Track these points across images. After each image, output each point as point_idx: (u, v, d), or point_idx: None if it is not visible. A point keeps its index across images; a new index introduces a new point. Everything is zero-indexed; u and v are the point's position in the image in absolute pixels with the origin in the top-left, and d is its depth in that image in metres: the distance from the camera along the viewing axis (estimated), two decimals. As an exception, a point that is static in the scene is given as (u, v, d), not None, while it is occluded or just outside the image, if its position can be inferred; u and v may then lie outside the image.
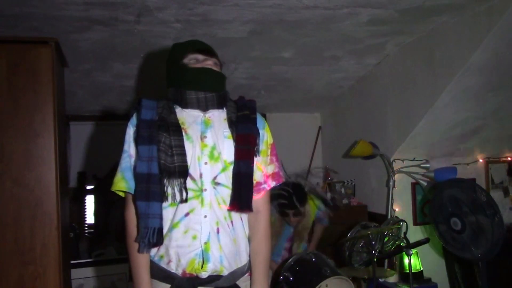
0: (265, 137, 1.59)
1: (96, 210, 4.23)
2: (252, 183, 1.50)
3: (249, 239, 1.58)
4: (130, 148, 1.48)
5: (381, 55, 3.33)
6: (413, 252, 2.96)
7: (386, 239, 2.88)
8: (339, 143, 4.18)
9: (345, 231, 3.08)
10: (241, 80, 3.52)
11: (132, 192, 1.44)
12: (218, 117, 1.54)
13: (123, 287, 3.66)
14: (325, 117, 4.57)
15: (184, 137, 1.45)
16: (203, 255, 1.44)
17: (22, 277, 1.99)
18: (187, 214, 1.44)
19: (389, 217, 3.34)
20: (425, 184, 3.32)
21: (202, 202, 1.45)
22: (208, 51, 1.54)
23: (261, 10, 2.41)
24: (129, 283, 3.58)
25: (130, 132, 1.49)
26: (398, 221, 2.99)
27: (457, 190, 2.78)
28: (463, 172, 3.55)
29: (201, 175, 1.45)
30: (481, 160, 3.73)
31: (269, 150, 1.60)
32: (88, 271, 3.61)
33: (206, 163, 1.46)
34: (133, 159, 1.47)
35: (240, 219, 1.53)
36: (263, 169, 1.57)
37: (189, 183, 1.44)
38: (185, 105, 1.50)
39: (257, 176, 1.56)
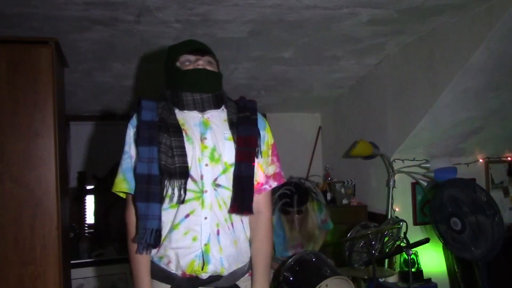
0: (266, 137, 1.59)
1: (96, 210, 4.23)
2: (253, 185, 1.50)
3: (250, 240, 1.58)
4: (130, 149, 1.48)
5: (381, 55, 3.33)
6: (413, 252, 2.96)
7: (386, 239, 2.89)
8: (339, 143, 4.18)
9: (345, 231, 3.09)
10: (241, 80, 3.52)
11: (133, 193, 1.44)
12: (218, 117, 1.53)
13: (123, 287, 3.67)
14: (325, 117, 4.56)
15: (185, 138, 1.45)
16: (203, 256, 1.44)
17: (22, 277, 1.99)
18: (187, 216, 1.44)
19: (389, 217, 3.33)
20: (425, 184, 3.32)
21: (202, 203, 1.44)
22: (200, 51, 1.52)
23: (261, 10, 2.41)
24: (129, 283, 3.59)
25: (131, 133, 1.49)
26: (398, 221, 2.99)
27: (457, 190, 2.78)
28: (463, 172, 3.55)
29: (202, 177, 1.45)
30: (481, 160, 3.72)
31: (270, 151, 1.60)
32: (88, 271, 3.61)
33: (207, 165, 1.46)
34: (133, 160, 1.47)
35: (241, 221, 1.53)
36: (264, 170, 1.57)
37: (190, 184, 1.44)
38: (182, 106, 1.50)
39: (258, 176, 1.56)
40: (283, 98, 4.05)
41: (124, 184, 1.47)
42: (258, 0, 2.28)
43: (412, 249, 2.66)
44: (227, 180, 1.48)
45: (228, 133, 1.51)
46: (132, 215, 1.47)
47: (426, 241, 2.74)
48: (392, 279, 3.20)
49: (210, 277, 1.46)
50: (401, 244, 2.90)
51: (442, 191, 2.83)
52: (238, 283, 1.53)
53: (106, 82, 3.36)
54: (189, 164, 1.44)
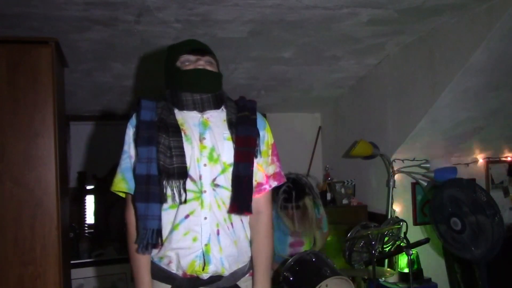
0: (266, 137, 1.59)
1: (96, 210, 4.23)
2: (252, 185, 1.50)
3: (251, 240, 1.58)
4: (130, 149, 1.48)
5: (381, 55, 3.33)
6: (413, 252, 2.96)
7: (386, 239, 2.88)
8: (339, 143, 4.18)
9: (345, 231, 3.08)
10: (241, 80, 3.52)
11: (133, 192, 1.44)
12: (217, 118, 1.53)
13: (123, 287, 3.67)
14: (325, 117, 4.56)
15: (184, 138, 1.45)
16: (203, 257, 1.44)
17: (22, 277, 1.99)
18: (187, 216, 1.44)
19: (389, 217, 3.33)
20: (425, 184, 3.32)
21: (202, 204, 1.44)
22: (200, 51, 1.52)
23: (261, 10, 2.41)
24: (130, 283, 3.59)
25: (130, 133, 1.49)
26: (398, 221, 2.98)
27: (457, 190, 2.78)
28: (463, 172, 3.55)
29: (200, 177, 1.45)
30: (481, 160, 3.73)
31: (270, 151, 1.60)
32: (88, 271, 3.61)
33: (205, 165, 1.46)
34: (133, 159, 1.47)
35: (241, 221, 1.53)
36: (264, 170, 1.57)
37: (189, 184, 1.44)
38: (181, 107, 1.50)
39: (258, 176, 1.55)
40: (283, 98, 4.05)
41: (123, 184, 1.47)
42: (258, 0, 2.28)
43: (412, 249, 2.66)
44: (226, 180, 1.48)
45: (227, 133, 1.50)
46: (132, 215, 1.47)
47: (426, 241, 2.74)
48: (392, 279, 3.20)
49: (210, 277, 1.46)
50: (401, 244, 2.90)
51: (442, 191, 2.83)
52: (238, 283, 1.53)
53: (106, 82, 3.36)
54: (188, 164, 1.44)
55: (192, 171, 1.44)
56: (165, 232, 1.44)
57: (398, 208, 3.41)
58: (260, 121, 1.57)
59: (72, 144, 3.96)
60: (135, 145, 1.44)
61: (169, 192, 1.41)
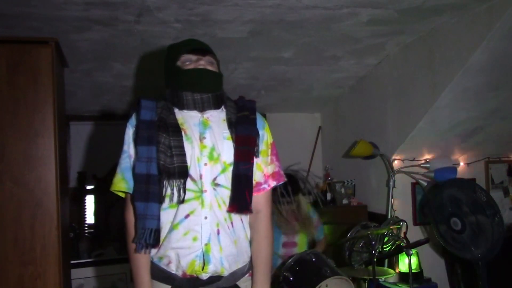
0: (265, 137, 1.59)
1: (96, 210, 4.24)
2: (252, 184, 1.50)
3: (250, 239, 1.58)
4: (129, 148, 1.48)
5: (381, 55, 3.33)
6: (413, 252, 2.96)
7: (386, 239, 2.88)
8: (339, 143, 4.18)
9: (345, 231, 3.08)
10: (241, 80, 3.52)
11: (132, 192, 1.44)
12: (217, 117, 1.53)
13: (123, 287, 3.67)
14: (325, 117, 4.56)
15: (184, 138, 1.45)
16: (203, 256, 1.43)
17: (22, 277, 1.99)
18: (187, 216, 1.44)
19: (389, 217, 3.34)
20: (425, 184, 3.32)
21: (202, 203, 1.44)
22: (201, 50, 1.52)
23: (261, 10, 2.41)
24: (130, 283, 3.59)
25: (129, 132, 1.49)
26: (398, 221, 2.99)
27: (457, 190, 2.79)
28: (463, 172, 3.56)
29: (201, 176, 1.45)
30: (481, 160, 3.73)
31: (269, 150, 1.60)
32: (88, 271, 3.61)
33: (205, 164, 1.46)
34: (132, 159, 1.46)
35: (241, 220, 1.53)
36: (264, 169, 1.57)
37: (190, 184, 1.44)
38: (181, 106, 1.50)
39: (258, 176, 1.55)
40: (283, 98, 4.05)
41: (122, 183, 1.46)
42: (258, 0, 2.28)
43: (412, 249, 2.66)
44: (226, 180, 1.48)
45: (227, 133, 1.50)
46: (131, 215, 1.47)
47: (426, 241, 2.74)
48: (392, 279, 3.20)
49: (210, 277, 1.46)
50: (401, 244, 2.90)
51: (442, 191, 2.83)
52: (238, 283, 1.52)
53: (106, 82, 3.36)
54: (188, 164, 1.44)
55: (192, 171, 1.44)
56: (163, 232, 1.44)
57: (398, 208, 3.41)
58: (260, 120, 1.58)
59: (72, 144, 3.96)
60: (135, 145, 1.44)
61: (169, 191, 1.41)
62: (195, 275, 1.45)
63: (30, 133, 2.04)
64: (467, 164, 3.66)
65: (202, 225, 1.44)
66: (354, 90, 3.92)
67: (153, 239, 1.38)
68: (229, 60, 3.13)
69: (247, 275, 1.57)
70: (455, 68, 2.71)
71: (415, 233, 3.33)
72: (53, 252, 2.03)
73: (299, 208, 2.93)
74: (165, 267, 1.48)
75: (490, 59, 2.64)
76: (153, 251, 1.47)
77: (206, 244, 1.44)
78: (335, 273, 2.27)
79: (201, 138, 1.48)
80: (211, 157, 1.47)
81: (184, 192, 1.41)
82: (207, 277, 1.45)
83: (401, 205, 3.44)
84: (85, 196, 4.20)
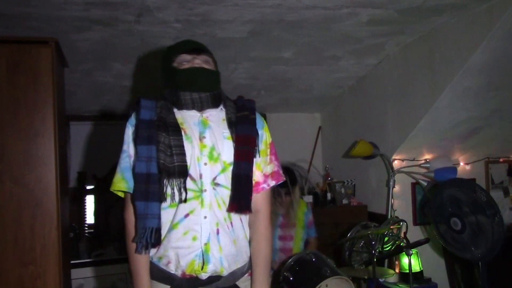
0: (264, 137, 1.59)
1: (96, 210, 4.24)
2: (252, 184, 1.50)
3: (250, 239, 1.58)
4: (129, 148, 1.48)
5: (381, 55, 3.33)
6: (413, 252, 2.96)
7: (386, 239, 2.88)
8: (339, 143, 4.18)
9: (345, 231, 3.09)
10: (241, 80, 3.52)
11: (132, 192, 1.44)
12: (217, 117, 1.53)
13: (123, 287, 3.67)
14: (325, 117, 4.56)
15: (184, 137, 1.45)
16: (203, 256, 1.43)
17: (22, 277, 1.99)
18: (187, 215, 1.44)
19: (389, 217, 3.33)
20: (425, 184, 3.32)
21: (202, 203, 1.44)
22: (196, 50, 1.52)
23: (261, 10, 2.41)
24: (130, 283, 3.58)
25: (129, 132, 1.49)
26: (398, 221, 2.99)
27: (457, 190, 2.78)
28: (463, 172, 3.55)
29: (201, 176, 1.45)
30: (481, 160, 3.72)
31: (268, 150, 1.60)
32: (88, 271, 3.61)
33: (205, 164, 1.46)
34: (132, 159, 1.46)
35: (240, 220, 1.53)
36: (263, 169, 1.57)
37: (189, 183, 1.44)
38: (180, 106, 1.50)
39: (257, 176, 1.55)
40: (283, 98, 4.05)
41: (122, 183, 1.46)
42: (258, 0, 2.28)
43: (412, 249, 2.66)
44: (226, 179, 1.48)
45: (227, 132, 1.51)
46: (131, 215, 1.47)
47: (426, 241, 2.74)
48: (392, 279, 3.20)
49: (209, 277, 1.46)
50: (401, 244, 2.90)
51: (442, 191, 2.83)
52: (238, 283, 1.52)
53: (106, 82, 3.36)
54: (188, 163, 1.44)
55: (192, 170, 1.44)
56: (163, 231, 1.44)
57: (398, 208, 3.41)
58: (259, 120, 1.58)
59: (72, 144, 3.97)
60: (135, 144, 1.44)
61: (169, 191, 1.41)
62: (194, 275, 1.45)
63: (30, 133, 2.04)
64: (467, 164, 3.66)
65: (201, 225, 1.44)
66: (354, 90, 3.92)
67: (154, 238, 1.38)
68: (229, 60, 3.13)
69: (246, 274, 1.57)
70: (455, 68, 2.71)
71: (415, 233, 3.33)
72: (53, 252, 2.03)
73: (295, 202, 2.96)
74: (164, 267, 1.47)
75: (490, 59, 2.64)
76: (153, 251, 1.47)
77: (205, 244, 1.43)
78: (335, 273, 2.27)
79: (201, 138, 1.48)
80: (211, 157, 1.47)
81: (186, 191, 1.41)
82: (206, 276, 1.45)
83: (401, 205, 3.44)
84: (85, 196, 4.20)
